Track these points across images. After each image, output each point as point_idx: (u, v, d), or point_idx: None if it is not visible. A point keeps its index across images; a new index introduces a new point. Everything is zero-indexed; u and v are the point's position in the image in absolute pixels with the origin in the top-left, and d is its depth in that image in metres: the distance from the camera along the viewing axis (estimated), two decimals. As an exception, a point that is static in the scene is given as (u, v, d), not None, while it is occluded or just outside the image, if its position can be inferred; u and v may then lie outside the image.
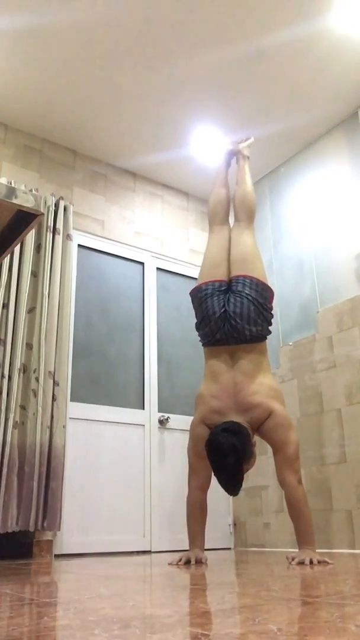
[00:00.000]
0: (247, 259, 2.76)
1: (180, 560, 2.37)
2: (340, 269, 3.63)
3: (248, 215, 2.96)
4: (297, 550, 2.42)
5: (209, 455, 2.28)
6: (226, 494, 2.85)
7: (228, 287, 2.70)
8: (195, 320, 2.78)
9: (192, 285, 4.47)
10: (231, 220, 3.04)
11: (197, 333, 2.79)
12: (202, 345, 2.71)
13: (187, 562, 2.36)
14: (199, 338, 2.75)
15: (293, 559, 2.26)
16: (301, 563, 2.19)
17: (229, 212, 3.04)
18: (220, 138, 4.01)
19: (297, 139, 4.08)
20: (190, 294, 2.81)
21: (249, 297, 2.61)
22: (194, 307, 2.77)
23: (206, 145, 4.10)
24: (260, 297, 2.63)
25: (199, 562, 2.36)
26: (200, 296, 2.71)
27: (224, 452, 2.22)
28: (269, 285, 2.75)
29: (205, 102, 3.70)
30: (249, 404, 2.46)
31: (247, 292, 2.62)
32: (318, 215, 3.92)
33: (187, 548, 2.53)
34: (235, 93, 3.62)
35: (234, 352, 2.60)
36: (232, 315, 2.58)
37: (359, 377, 3.30)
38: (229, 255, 2.82)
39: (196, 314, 2.74)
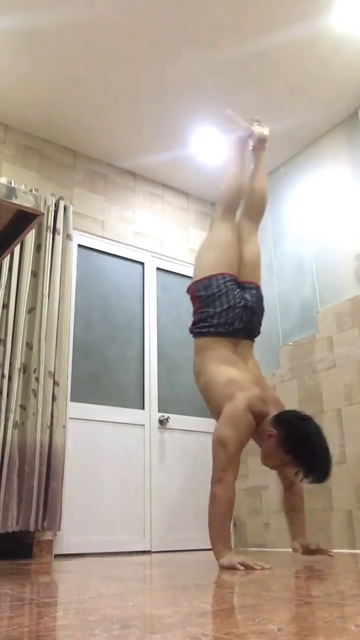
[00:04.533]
0: (258, 266, 2.73)
1: (242, 566, 1.98)
2: (340, 269, 3.63)
3: (262, 215, 2.88)
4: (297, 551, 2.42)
5: (307, 441, 2.14)
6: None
7: (240, 285, 2.65)
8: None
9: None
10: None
11: (200, 324, 2.54)
12: (206, 334, 2.50)
13: (248, 567, 1.97)
14: (201, 329, 2.52)
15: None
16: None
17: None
18: (220, 138, 4.01)
19: (297, 139, 4.08)
20: (204, 280, 2.57)
21: (260, 305, 2.65)
22: (208, 294, 2.54)
23: (206, 145, 4.10)
24: (262, 308, 2.68)
25: (253, 566, 1.99)
26: (224, 283, 2.55)
27: (323, 437, 2.17)
28: None
29: (205, 102, 3.70)
30: (274, 398, 2.44)
31: (258, 300, 2.64)
32: (318, 215, 3.92)
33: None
34: (235, 93, 3.62)
35: (241, 346, 2.52)
36: (251, 307, 2.56)
37: (359, 377, 3.30)
38: (239, 253, 2.71)
39: (213, 302, 2.53)
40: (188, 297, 2.72)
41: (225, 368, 2.38)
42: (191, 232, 4.63)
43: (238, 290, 2.58)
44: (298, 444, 2.15)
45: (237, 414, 2.20)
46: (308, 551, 2.39)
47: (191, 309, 2.68)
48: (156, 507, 3.67)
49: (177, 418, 3.96)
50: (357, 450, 3.20)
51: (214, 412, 2.35)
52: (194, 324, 2.57)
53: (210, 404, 2.39)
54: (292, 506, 2.48)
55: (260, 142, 3.03)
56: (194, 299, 2.61)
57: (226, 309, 2.50)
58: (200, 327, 2.51)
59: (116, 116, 3.83)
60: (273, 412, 2.32)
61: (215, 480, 2.12)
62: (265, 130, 3.06)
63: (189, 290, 2.67)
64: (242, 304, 2.54)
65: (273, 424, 2.26)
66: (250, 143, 2.99)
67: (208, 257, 2.66)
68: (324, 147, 4.00)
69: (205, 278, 2.58)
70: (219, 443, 2.16)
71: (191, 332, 2.58)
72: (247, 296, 2.59)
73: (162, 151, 4.18)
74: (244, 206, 2.85)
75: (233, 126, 2.98)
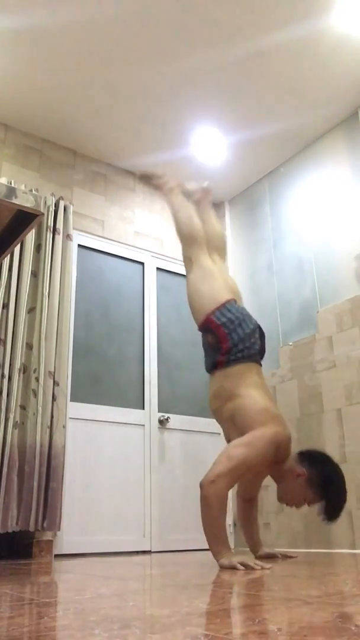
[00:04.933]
0: (239, 292, 2.80)
1: (242, 566, 1.99)
2: (340, 269, 3.63)
3: (225, 250, 2.97)
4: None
5: (337, 485, 2.23)
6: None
7: None
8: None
9: (192, 285, 4.48)
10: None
11: (233, 351, 2.49)
12: (241, 360, 2.46)
13: (248, 567, 1.98)
14: (237, 352, 2.47)
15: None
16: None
17: None
18: (220, 138, 4.01)
19: (297, 139, 4.08)
20: (221, 308, 2.55)
21: None
22: (231, 319, 2.52)
23: (206, 145, 4.10)
24: None
25: (253, 566, 2.00)
26: (237, 308, 2.59)
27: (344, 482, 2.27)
28: None
29: (205, 102, 3.70)
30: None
31: None
32: (318, 215, 3.92)
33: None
34: (235, 93, 3.62)
35: (259, 372, 2.54)
36: (260, 329, 2.63)
37: (359, 377, 3.30)
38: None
39: (240, 326, 2.51)
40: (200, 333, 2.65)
41: (261, 395, 2.40)
42: (191, 232, 4.62)
43: (248, 312, 2.64)
44: (332, 487, 2.22)
45: (260, 441, 2.19)
46: (269, 557, 2.53)
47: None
48: (156, 507, 3.67)
49: (177, 418, 3.96)
50: (357, 450, 3.20)
51: (239, 434, 2.30)
52: (226, 352, 2.47)
53: (241, 425, 2.32)
54: (250, 518, 2.56)
55: (204, 193, 3.09)
56: (217, 327, 2.51)
57: (251, 331, 2.53)
58: (235, 354, 2.47)
59: (116, 116, 3.83)
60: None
61: (208, 482, 2.10)
62: (204, 184, 3.13)
63: (208, 323, 2.55)
64: (257, 326, 2.60)
65: (302, 463, 2.29)
66: (196, 196, 3.08)
67: (209, 287, 2.64)
68: (324, 147, 4.00)
69: (220, 306, 2.55)
70: (227, 456, 2.16)
71: (222, 363, 2.48)
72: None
73: (162, 151, 4.18)
74: (207, 246, 2.85)
75: (158, 181, 3.12)
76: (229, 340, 2.48)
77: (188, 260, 2.79)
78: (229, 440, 2.42)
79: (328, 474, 2.24)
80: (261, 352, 2.58)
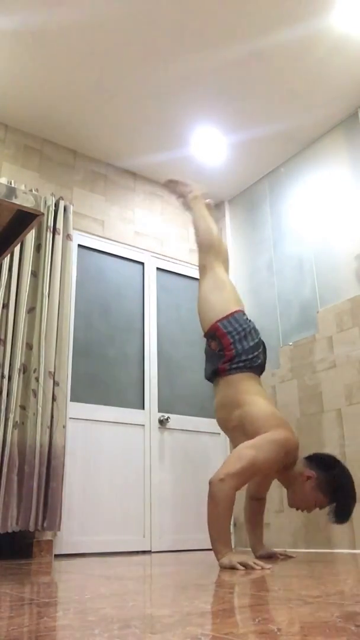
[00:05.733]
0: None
1: (242, 566, 1.98)
2: (340, 269, 3.63)
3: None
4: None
5: (347, 487, 2.27)
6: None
7: None
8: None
9: (192, 285, 4.48)
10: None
11: (236, 360, 2.53)
12: (242, 369, 2.50)
13: (248, 566, 1.97)
14: (239, 362, 2.51)
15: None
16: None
17: None
18: (220, 138, 4.01)
19: (297, 139, 4.08)
20: (229, 317, 2.61)
21: None
22: (238, 330, 2.56)
23: (206, 145, 4.10)
24: None
25: (253, 565, 1.99)
26: (246, 320, 2.64)
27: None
28: None
29: (205, 102, 3.70)
30: None
31: None
32: (318, 215, 3.92)
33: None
34: (235, 93, 3.62)
35: (258, 381, 2.60)
36: (264, 343, 2.67)
37: (359, 377, 3.30)
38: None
39: (245, 337, 2.56)
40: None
41: (266, 402, 2.45)
42: (191, 232, 4.61)
43: (255, 326, 2.68)
44: (342, 490, 2.26)
45: (270, 444, 2.21)
46: (269, 557, 2.56)
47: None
48: (156, 507, 3.67)
49: (177, 418, 3.96)
50: (357, 450, 3.20)
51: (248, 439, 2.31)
52: (228, 361, 2.52)
53: (252, 433, 2.32)
54: (257, 518, 2.62)
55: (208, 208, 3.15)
56: (222, 335, 2.56)
57: (255, 345, 2.57)
58: (237, 363, 2.51)
59: (116, 116, 3.83)
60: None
61: (217, 480, 2.11)
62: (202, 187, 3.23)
63: (214, 330, 2.59)
64: (262, 341, 2.65)
65: (310, 466, 2.32)
66: (211, 201, 3.16)
67: (219, 297, 2.71)
68: (324, 147, 4.00)
69: (229, 315, 2.61)
70: (238, 457, 2.18)
71: (224, 370, 2.52)
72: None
73: (162, 151, 4.18)
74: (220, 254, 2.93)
75: (183, 188, 3.20)
76: (233, 349, 2.52)
77: (203, 268, 2.85)
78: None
79: (337, 476, 2.27)
80: (262, 367, 2.62)
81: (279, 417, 2.39)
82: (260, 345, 2.62)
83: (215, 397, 2.58)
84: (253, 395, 2.44)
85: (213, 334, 2.59)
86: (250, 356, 2.52)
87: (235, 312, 2.63)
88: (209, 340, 2.64)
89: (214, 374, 2.57)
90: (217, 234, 2.94)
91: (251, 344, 2.55)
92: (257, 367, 2.56)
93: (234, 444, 2.46)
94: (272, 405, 2.47)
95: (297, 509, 2.37)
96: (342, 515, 2.24)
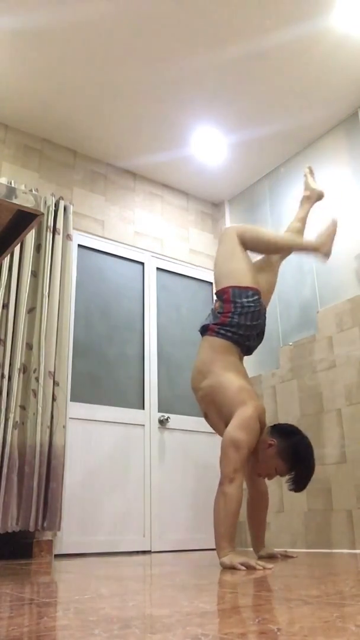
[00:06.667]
0: (271, 295, 2.94)
1: (243, 566, 1.99)
2: (340, 269, 3.63)
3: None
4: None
5: (304, 455, 2.36)
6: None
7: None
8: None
9: (192, 285, 4.49)
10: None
11: (227, 327, 2.59)
12: (228, 338, 2.55)
13: (249, 567, 1.98)
14: (228, 330, 2.56)
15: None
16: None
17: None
18: (220, 138, 4.01)
19: (297, 139, 4.08)
20: (246, 290, 2.64)
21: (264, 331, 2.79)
22: (244, 304, 2.59)
23: (206, 145, 4.10)
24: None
25: (254, 566, 1.99)
26: (258, 300, 2.65)
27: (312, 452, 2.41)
28: None
29: (205, 102, 3.70)
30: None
31: (265, 327, 2.79)
32: (318, 215, 3.91)
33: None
34: (235, 93, 3.62)
35: (241, 358, 2.65)
36: (262, 332, 2.72)
37: (359, 377, 3.30)
38: (265, 276, 2.88)
39: (246, 314, 2.59)
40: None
41: (236, 375, 2.50)
42: (191, 232, 4.63)
43: (263, 312, 2.70)
44: (299, 456, 2.35)
45: (250, 420, 2.31)
46: (270, 557, 2.55)
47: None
48: (156, 507, 3.67)
49: (177, 418, 3.96)
50: (357, 450, 3.20)
51: (224, 413, 2.41)
52: (219, 324, 2.59)
53: (220, 405, 2.44)
54: (259, 517, 2.64)
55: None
56: (227, 300, 2.62)
57: (251, 325, 2.61)
58: (226, 331, 2.57)
59: (116, 116, 3.83)
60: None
61: (227, 480, 2.18)
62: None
63: (223, 292, 2.66)
64: (261, 328, 2.70)
65: (273, 435, 2.42)
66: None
67: (244, 267, 2.74)
68: (324, 147, 4.00)
69: (247, 288, 2.65)
70: (232, 445, 2.24)
71: (213, 330, 2.59)
72: (262, 321, 2.73)
73: (162, 151, 4.18)
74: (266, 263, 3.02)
75: (311, 203, 3.30)
76: (229, 318, 2.59)
77: (233, 231, 2.86)
78: (213, 423, 2.54)
79: (296, 444, 2.37)
80: (249, 349, 2.68)
81: (247, 388, 2.46)
82: (257, 331, 2.66)
83: (196, 357, 2.64)
84: (226, 368, 2.50)
85: (221, 296, 2.67)
86: (241, 332, 2.58)
87: (252, 288, 2.65)
88: (217, 298, 2.73)
89: (203, 330, 2.66)
90: (290, 247, 3.00)
91: (248, 323, 2.59)
92: (244, 346, 2.62)
93: (204, 409, 2.57)
94: (240, 376, 2.51)
95: (258, 476, 2.50)
96: (299, 483, 2.35)
